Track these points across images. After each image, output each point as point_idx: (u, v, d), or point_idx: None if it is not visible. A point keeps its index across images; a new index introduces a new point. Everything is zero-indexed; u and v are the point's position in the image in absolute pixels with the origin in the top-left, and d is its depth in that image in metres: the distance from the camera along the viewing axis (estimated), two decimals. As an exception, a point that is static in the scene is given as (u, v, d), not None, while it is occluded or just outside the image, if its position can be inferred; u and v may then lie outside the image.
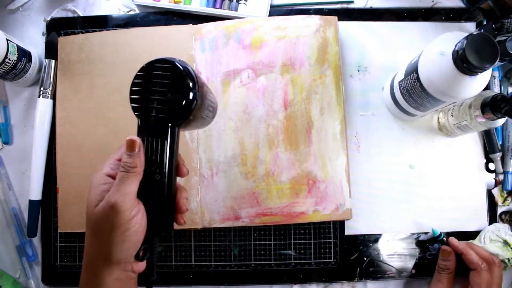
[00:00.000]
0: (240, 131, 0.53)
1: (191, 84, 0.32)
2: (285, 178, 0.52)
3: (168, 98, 0.32)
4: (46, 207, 0.56)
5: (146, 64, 0.33)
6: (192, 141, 0.53)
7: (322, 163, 0.52)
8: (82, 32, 0.57)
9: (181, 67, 0.32)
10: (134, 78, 0.33)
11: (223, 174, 0.52)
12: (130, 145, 0.33)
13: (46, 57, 0.56)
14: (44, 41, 0.58)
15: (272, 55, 0.54)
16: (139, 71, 0.33)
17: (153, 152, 0.34)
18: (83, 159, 0.54)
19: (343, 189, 0.52)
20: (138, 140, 0.33)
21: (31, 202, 0.54)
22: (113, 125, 0.54)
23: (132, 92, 0.33)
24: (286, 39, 0.54)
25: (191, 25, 0.55)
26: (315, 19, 0.54)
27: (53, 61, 0.56)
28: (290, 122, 0.53)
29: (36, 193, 0.55)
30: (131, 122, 0.33)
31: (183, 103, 0.32)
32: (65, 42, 0.56)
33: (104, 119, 0.54)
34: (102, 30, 0.57)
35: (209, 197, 0.52)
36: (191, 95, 0.32)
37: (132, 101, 0.33)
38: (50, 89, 0.56)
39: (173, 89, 0.32)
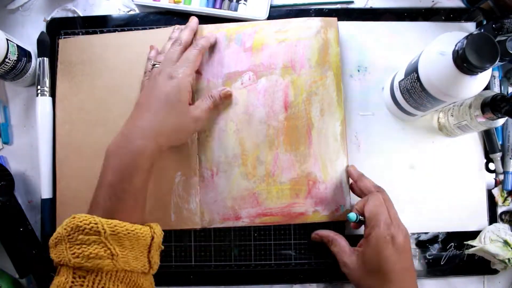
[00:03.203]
0: (241, 132, 0.53)
1: None
2: (285, 178, 0.52)
3: None
4: (46, 207, 0.56)
5: None
6: (192, 142, 0.53)
7: (322, 164, 0.52)
8: (82, 32, 0.57)
9: None
10: None
11: (224, 174, 0.53)
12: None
13: (38, 56, 0.56)
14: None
15: (273, 57, 0.54)
16: None
17: None
18: (82, 160, 0.54)
19: (343, 190, 0.52)
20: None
21: (43, 201, 0.54)
22: (113, 125, 0.53)
23: None
24: (287, 42, 0.54)
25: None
26: (316, 21, 0.54)
27: (46, 59, 0.56)
28: (290, 123, 0.53)
29: (47, 192, 0.54)
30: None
31: None
32: (66, 44, 0.56)
33: (104, 120, 0.54)
34: (102, 30, 0.57)
35: (209, 197, 0.52)
36: None
37: None
38: (47, 86, 0.55)
39: None
